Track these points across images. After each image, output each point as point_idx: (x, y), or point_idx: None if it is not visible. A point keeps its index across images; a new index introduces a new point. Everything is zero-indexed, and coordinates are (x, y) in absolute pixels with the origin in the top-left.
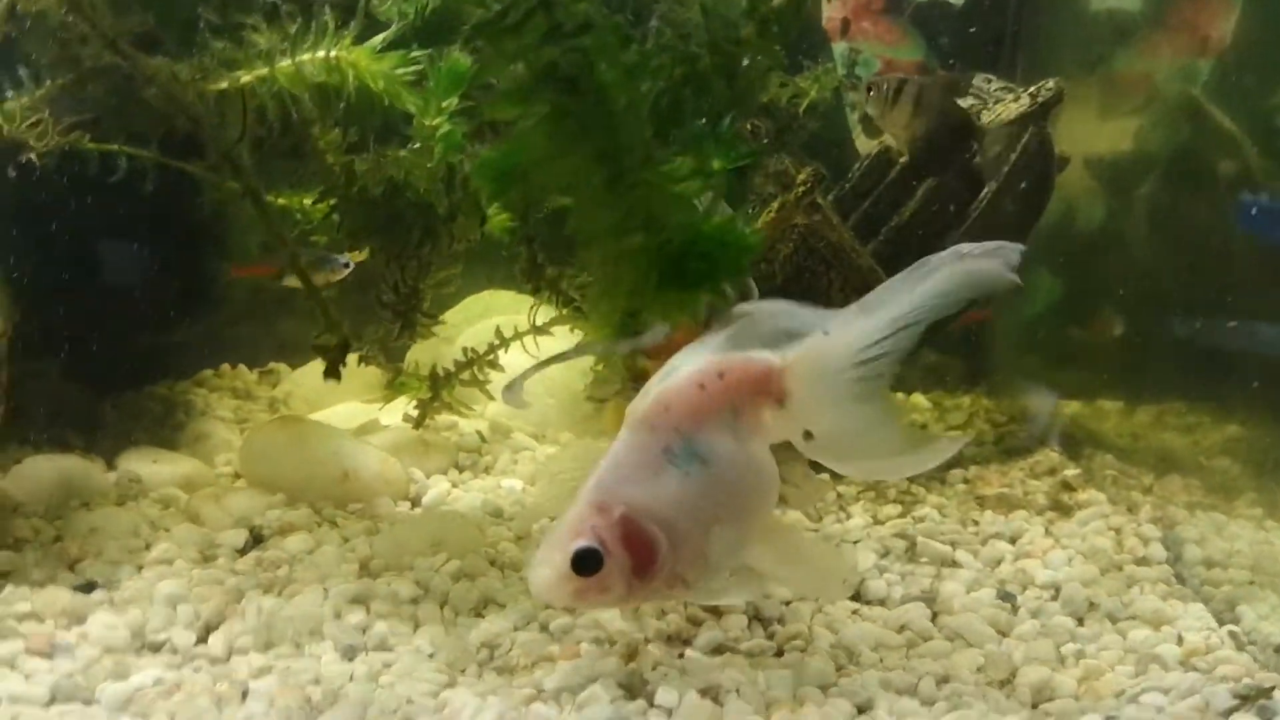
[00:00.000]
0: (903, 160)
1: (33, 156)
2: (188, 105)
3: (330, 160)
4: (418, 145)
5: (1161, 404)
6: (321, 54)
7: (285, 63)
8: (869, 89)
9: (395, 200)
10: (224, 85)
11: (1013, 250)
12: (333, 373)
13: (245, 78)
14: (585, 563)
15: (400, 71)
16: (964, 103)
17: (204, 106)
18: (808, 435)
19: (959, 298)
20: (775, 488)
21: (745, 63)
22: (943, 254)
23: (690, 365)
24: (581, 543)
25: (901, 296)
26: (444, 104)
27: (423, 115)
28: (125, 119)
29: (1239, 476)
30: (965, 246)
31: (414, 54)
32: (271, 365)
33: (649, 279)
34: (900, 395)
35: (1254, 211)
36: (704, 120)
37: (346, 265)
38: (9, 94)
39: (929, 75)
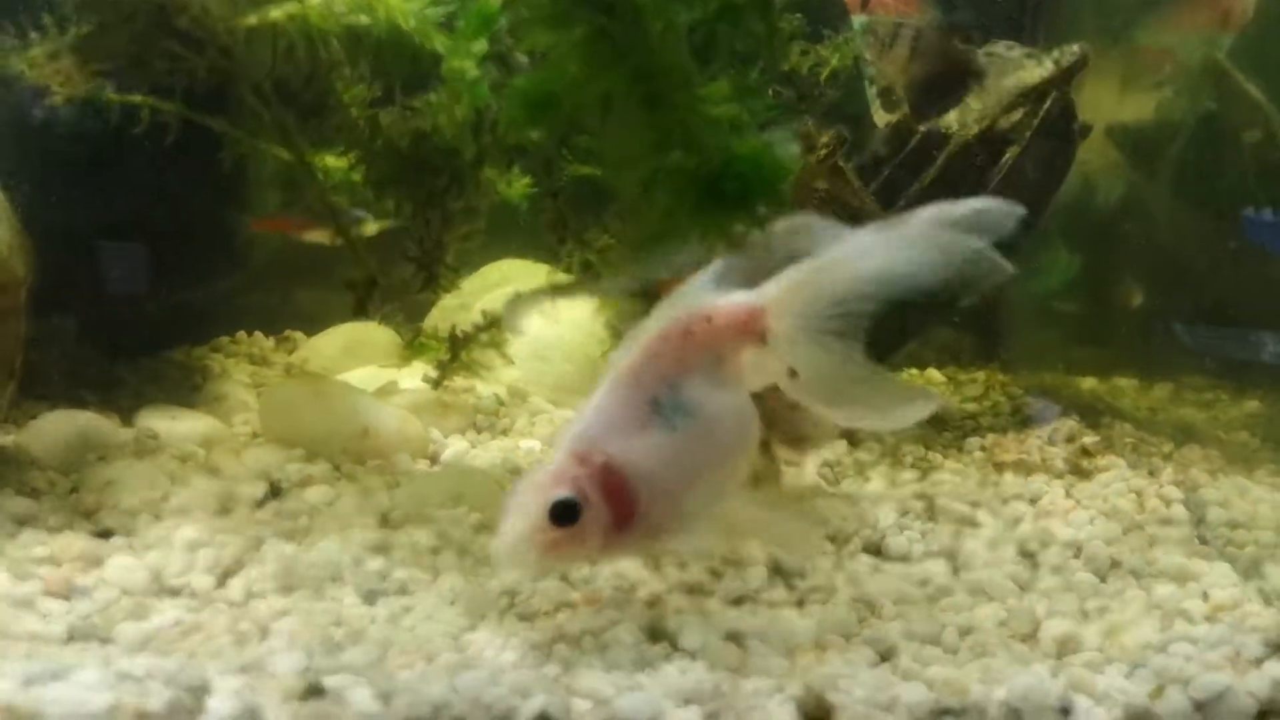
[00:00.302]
0: (923, 127)
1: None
2: (218, 36)
3: (355, 114)
4: (444, 90)
5: (1178, 380)
6: None
7: None
8: (868, 33)
9: (421, 147)
10: (253, 21)
11: (1007, 211)
12: (361, 309)
13: (275, 13)
14: (564, 513)
15: (430, 12)
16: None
17: (234, 41)
18: (792, 374)
19: (949, 253)
20: (756, 437)
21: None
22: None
23: (678, 311)
24: (561, 492)
25: (888, 238)
26: (473, 46)
27: (452, 58)
28: (147, 69)
29: (1259, 449)
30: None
31: None
32: (288, 333)
33: (685, 201)
34: (914, 370)
35: (1260, 224)
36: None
37: (366, 219)
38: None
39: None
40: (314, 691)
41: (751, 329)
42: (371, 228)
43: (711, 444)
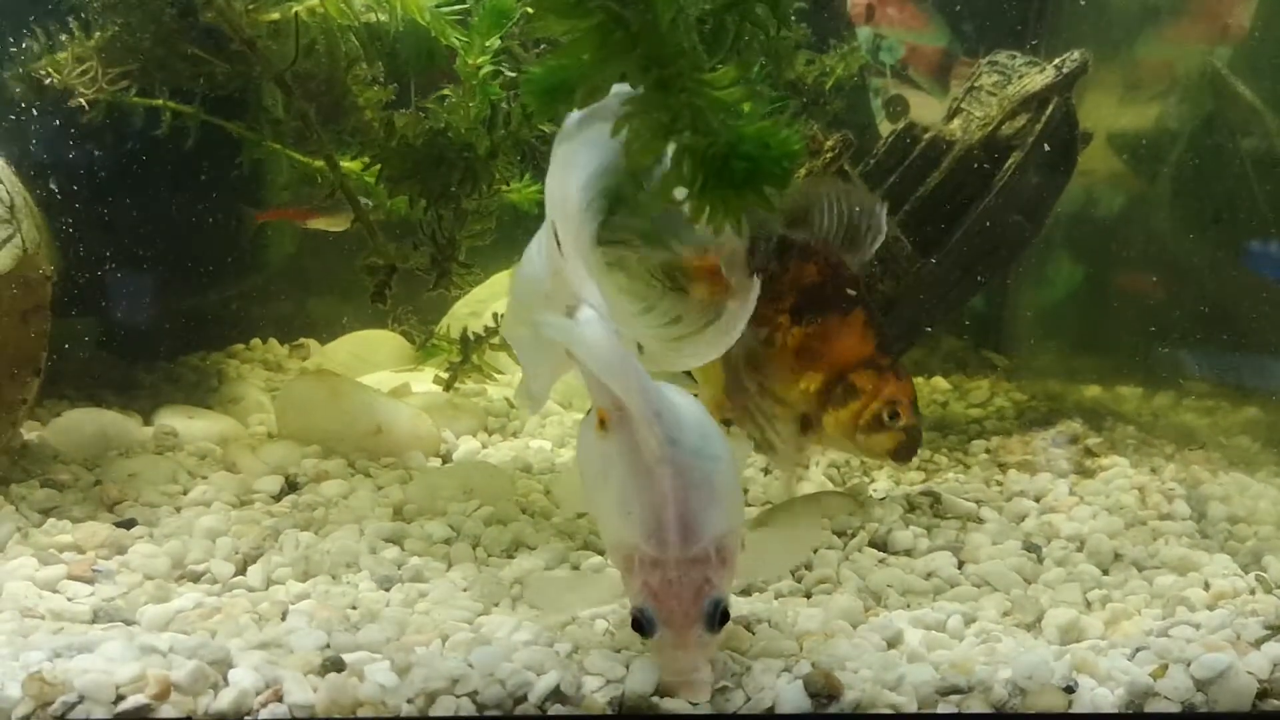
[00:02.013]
0: (927, 135)
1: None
2: (241, 29)
3: (370, 116)
4: (459, 86)
5: (1180, 389)
6: None
7: None
8: None
9: (435, 143)
10: (275, 15)
11: None
12: (379, 296)
13: (296, 7)
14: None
15: (446, 10)
16: (988, 79)
17: (256, 35)
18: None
19: None
20: None
21: None
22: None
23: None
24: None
25: None
26: (488, 42)
27: (466, 54)
28: (171, 72)
29: (1259, 453)
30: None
31: None
32: (301, 340)
33: (694, 181)
34: (920, 379)
35: (1263, 256)
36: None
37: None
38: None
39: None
40: (333, 665)
41: None
42: (342, 222)
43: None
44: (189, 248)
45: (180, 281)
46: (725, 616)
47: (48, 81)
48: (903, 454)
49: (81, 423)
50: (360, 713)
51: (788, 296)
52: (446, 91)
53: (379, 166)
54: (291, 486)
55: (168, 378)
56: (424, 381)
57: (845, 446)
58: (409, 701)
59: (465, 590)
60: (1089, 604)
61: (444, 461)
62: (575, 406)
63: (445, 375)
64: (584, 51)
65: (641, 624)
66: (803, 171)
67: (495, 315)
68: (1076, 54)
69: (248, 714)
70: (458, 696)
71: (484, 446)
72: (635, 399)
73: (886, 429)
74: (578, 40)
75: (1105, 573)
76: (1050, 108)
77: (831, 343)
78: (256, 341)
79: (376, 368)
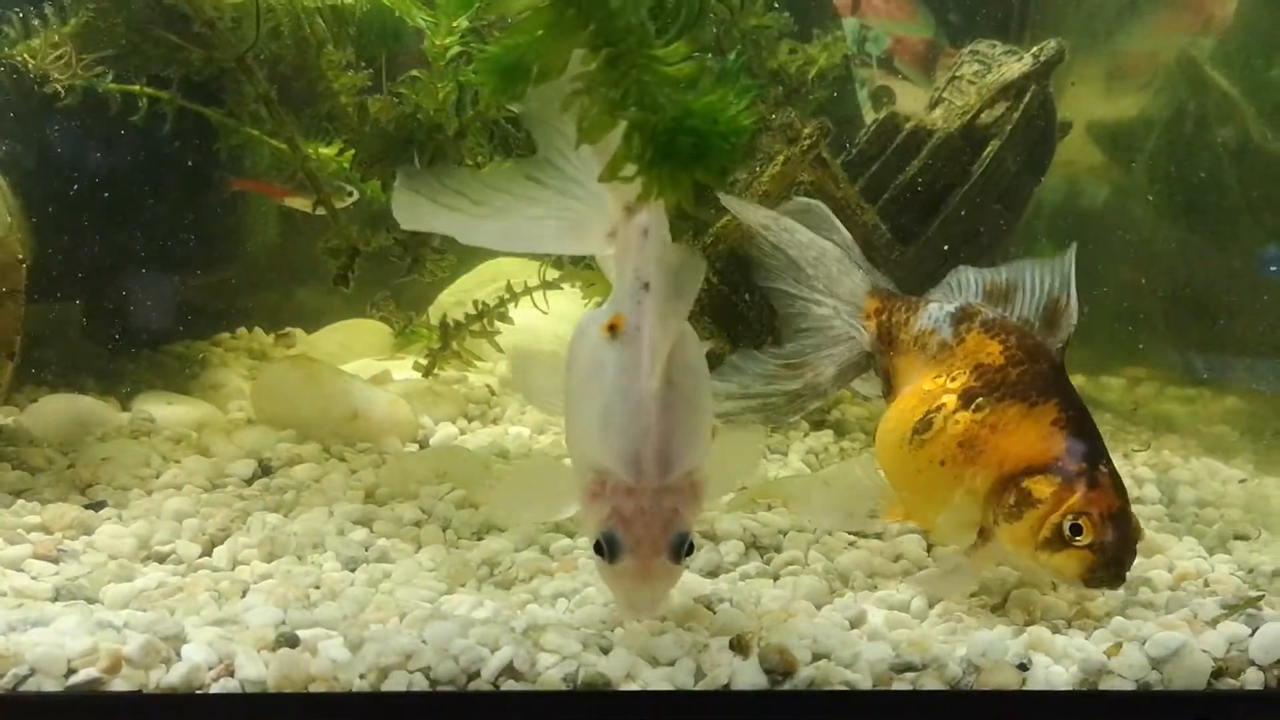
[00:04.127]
0: (909, 124)
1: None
2: (202, 10)
3: (344, 101)
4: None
5: (1163, 380)
6: None
7: None
8: None
9: (405, 125)
10: None
11: None
12: (342, 279)
13: None
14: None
15: None
16: (969, 68)
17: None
18: None
19: None
20: None
21: None
22: None
23: None
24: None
25: None
26: (455, 22)
27: (433, 35)
28: (144, 58)
29: (1236, 441)
30: None
31: None
32: (287, 329)
33: (641, 157)
34: None
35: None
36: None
37: (351, 194)
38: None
39: None
40: (287, 641)
41: None
42: (344, 200)
43: None
44: (172, 235)
45: (164, 269)
46: (690, 549)
47: (22, 67)
48: (1098, 577)
49: (58, 407)
50: (312, 688)
51: (959, 373)
52: (416, 73)
53: (352, 151)
54: (264, 470)
55: (150, 365)
56: (407, 369)
57: (1028, 566)
58: (361, 677)
59: (432, 571)
60: (1055, 586)
61: (421, 447)
62: None
63: (424, 361)
64: (537, 29)
65: (607, 549)
66: (781, 159)
67: (475, 302)
68: (1053, 42)
69: (199, 688)
70: (410, 672)
71: (462, 433)
72: (659, 330)
73: (1070, 547)
74: (531, 18)
75: None
76: (1028, 96)
77: (1005, 437)
78: (243, 330)
79: (362, 356)
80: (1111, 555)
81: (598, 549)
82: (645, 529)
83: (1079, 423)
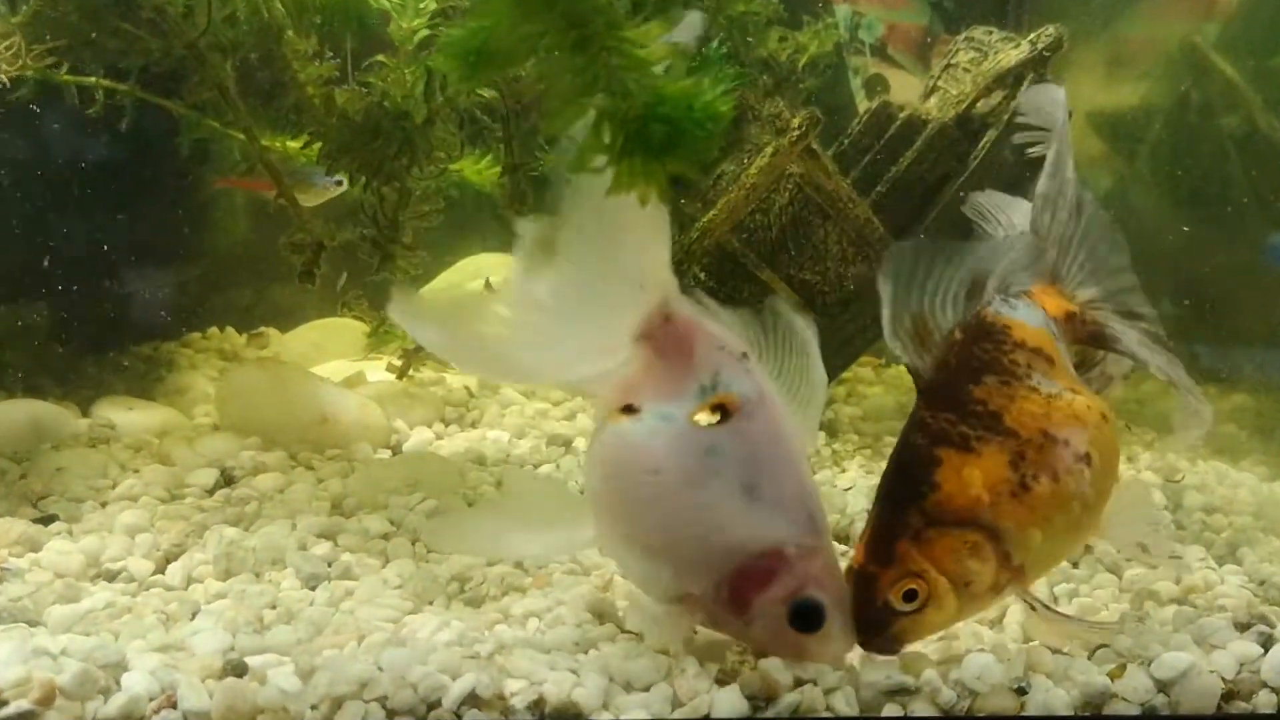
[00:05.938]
0: (904, 114)
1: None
2: None
3: (311, 92)
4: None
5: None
6: None
7: None
8: None
9: (371, 114)
10: None
11: None
12: (307, 276)
13: None
14: None
15: None
16: (964, 56)
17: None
18: None
19: None
20: None
21: None
22: None
23: None
24: None
25: None
26: (421, 4)
27: (399, 18)
28: (99, 49)
29: (1245, 441)
30: None
31: None
32: (261, 329)
33: (611, 147)
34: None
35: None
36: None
37: (339, 183)
38: None
39: None
40: (234, 669)
41: None
42: (314, 198)
43: None
44: (137, 231)
45: (128, 267)
46: None
47: None
48: None
49: (12, 414)
50: (259, 719)
51: None
52: (382, 58)
53: (318, 143)
54: (227, 480)
55: (114, 368)
56: (382, 369)
57: None
58: (313, 708)
59: (398, 588)
60: (1055, 598)
61: (394, 453)
62: (537, 396)
63: (398, 362)
64: (502, 11)
65: (812, 617)
66: (769, 150)
67: None
68: (1052, 29)
69: None
70: (366, 702)
71: (438, 437)
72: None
73: None
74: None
75: (1075, 565)
76: (1025, 84)
77: None
78: (214, 330)
79: (337, 357)
80: None
81: (800, 621)
82: (838, 583)
83: None
